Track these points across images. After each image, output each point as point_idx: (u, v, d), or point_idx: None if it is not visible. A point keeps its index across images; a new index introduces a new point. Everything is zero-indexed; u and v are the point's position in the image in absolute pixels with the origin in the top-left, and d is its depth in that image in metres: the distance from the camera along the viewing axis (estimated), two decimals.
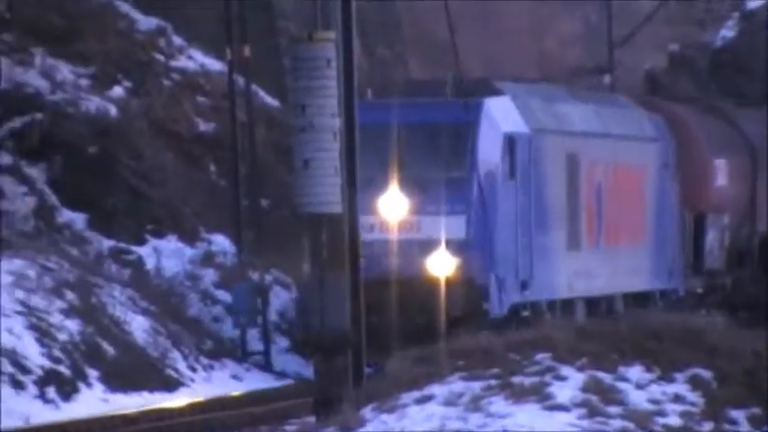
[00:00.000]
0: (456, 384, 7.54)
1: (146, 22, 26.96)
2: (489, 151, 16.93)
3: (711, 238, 22.14)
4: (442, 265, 15.65)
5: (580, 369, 7.48)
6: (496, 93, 17.88)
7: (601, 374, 7.40)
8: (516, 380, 7.40)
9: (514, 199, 17.22)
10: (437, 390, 7.48)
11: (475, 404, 7.11)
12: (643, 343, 7.88)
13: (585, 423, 6.79)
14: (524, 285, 17.20)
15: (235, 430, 14.33)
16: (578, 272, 18.91)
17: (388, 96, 18.06)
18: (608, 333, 8.33)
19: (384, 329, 14.72)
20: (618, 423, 6.83)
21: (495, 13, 31.89)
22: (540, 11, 32.85)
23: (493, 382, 7.44)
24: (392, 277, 15.60)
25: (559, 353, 7.73)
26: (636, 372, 7.49)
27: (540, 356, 7.74)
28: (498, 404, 7.08)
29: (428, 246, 16.01)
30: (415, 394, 7.51)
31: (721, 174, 22.14)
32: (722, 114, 23.91)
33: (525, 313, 17.16)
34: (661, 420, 6.92)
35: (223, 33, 22.82)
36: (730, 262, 22.76)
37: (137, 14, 27.21)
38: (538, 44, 32.28)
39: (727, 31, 32.67)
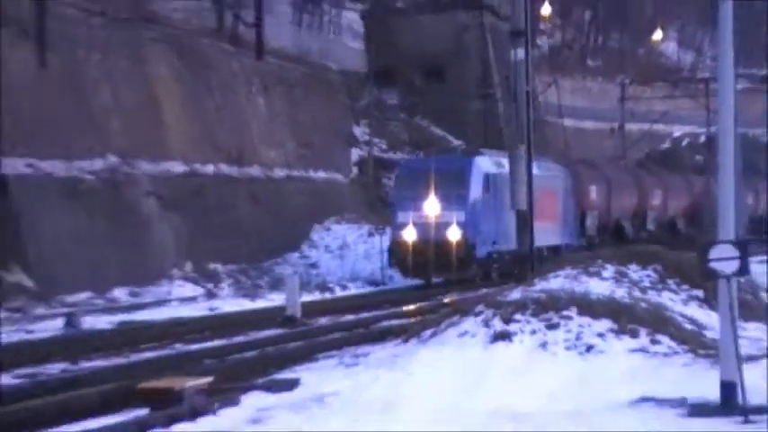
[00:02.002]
0: (568, 271, 16.64)
1: None
2: (476, 181, 31.36)
3: (590, 221, 40.80)
4: (454, 233, 30.00)
5: (612, 265, 16.73)
6: (481, 155, 33.57)
7: (620, 267, 16.59)
8: (590, 269, 16.55)
9: (488, 203, 31.43)
10: (561, 273, 16.65)
11: (575, 278, 15.95)
12: (634, 256, 17.42)
13: (615, 284, 15.61)
14: (494, 243, 31.47)
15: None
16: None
17: (432, 155, 36.92)
18: (618, 254, 18.31)
19: (433, 262, 29.87)
20: (626, 284, 15.76)
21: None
22: None
23: (581, 270, 16.51)
24: (433, 240, 29.88)
25: (605, 259, 17.36)
26: (633, 266, 16.74)
27: (598, 261, 17.26)
28: (583, 278, 15.99)
29: (447, 225, 30.14)
30: (553, 275, 16.70)
31: (593, 194, 41.45)
32: (595, 166, 45.01)
33: (495, 256, 31.48)
34: (643, 283, 16.08)
35: None
36: (598, 231, 41.64)
37: None
38: None
39: None
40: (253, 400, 10.99)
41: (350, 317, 22.14)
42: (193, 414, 10.09)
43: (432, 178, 29.90)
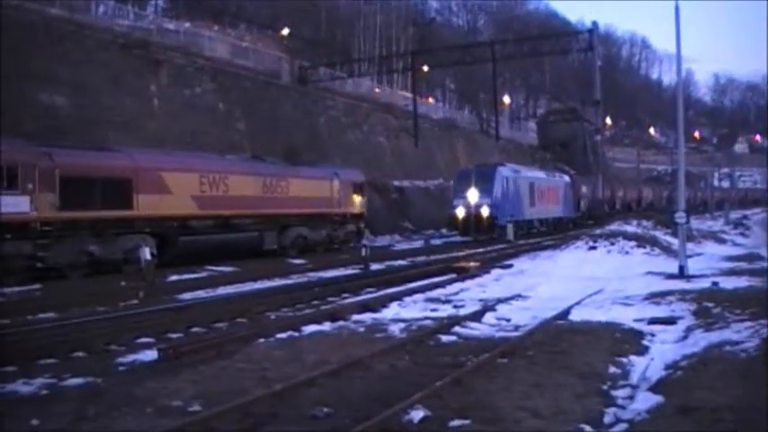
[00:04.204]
0: (618, 221, 40.83)
1: None
2: (499, 181, 47.32)
3: (583, 203, 61.54)
4: (485, 211, 45.79)
5: (636, 219, 40.83)
6: (503, 164, 51.57)
7: (639, 220, 39.94)
8: (627, 220, 40.18)
9: (507, 195, 47.72)
10: (615, 222, 39.46)
11: (621, 224, 37.37)
12: (644, 216, 43.15)
13: (637, 227, 36.41)
14: (511, 216, 47.55)
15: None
16: (533, 211, 52.43)
17: (474, 165, 51.71)
18: (638, 215, 45.55)
19: (472, 227, 45.65)
20: (641, 227, 37.04)
21: None
22: None
23: (622, 221, 39.84)
24: (473, 214, 45.51)
25: (632, 217, 42.98)
26: (643, 220, 39.38)
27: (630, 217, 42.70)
28: (624, 224, 37.78)
29: (481, 205, 45.75)
30: (611, 223, 40.33)
31: (584, 189, 62.09)
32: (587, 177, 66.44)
33: (510, 225, 46.78)
34: (647, 226, 37.40)
35: None
36: (588, 209, 62.39)
37: None
38: None
39: None
40: (495, 271, 27.72)
41: (528, 240, 45.46)
42: (473, 276, 26.98)
43: (472, 179, 46.06)
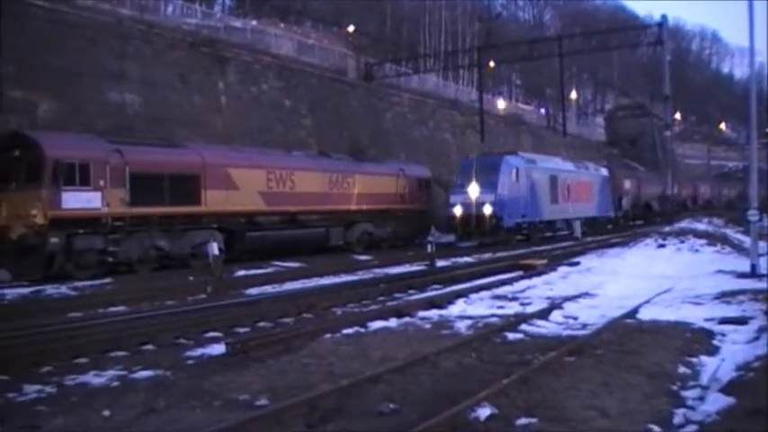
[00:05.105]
0: (688, 218, 42.88)
1: None
2: (506, 173, 40.58)
3: (625, 201, 58.35)
4: (488, 209, 38.75)
5: (706, 217, 43.84)
6: (515, 153, 45.06)
7: (709, 218, 42.96)
8: (697, 218, 40.68)
9: (517, 188, 41.10)
10: (684, 220, 38.60)
11: (691, 222, 39.21)
12: (715, 214, 39.41)
13: (707, 225, 37.73)
14: (523, 216, 41.77)
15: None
16: (555, 210, 45.86)
17: (476, 155, 43.72)
18: (707, 212, 42.61)
19: (473, 229, 38.99)
20: (712, 225, 38.54)
21: None
22: None
23: (692, 219, 41.62)
24: (475, 213, 38.61)
25: (703, 215, 34.82)
26: (714, 218, 40.24)
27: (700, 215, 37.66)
28: (694, 222, 38.10)
29: (484, 203, 38.67)
30: (681, 220, 35.37)
31: (627, 185, 59.85)
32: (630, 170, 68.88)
33: (524, 225, 42.25)
34: (718, 224, 39.09)
35: None
36: (632, 207, 59.61)
37: None
38: None
39: None
40: (562, 269, 27.40)
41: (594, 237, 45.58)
42: (540, 274, 26.67)
43: (474, 171, 38.80)
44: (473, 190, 38.15)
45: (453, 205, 39.73)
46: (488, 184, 38.87)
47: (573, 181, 48.34)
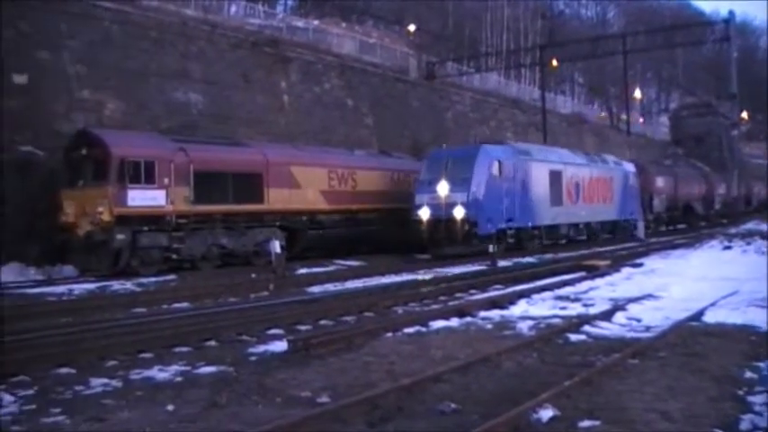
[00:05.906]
0: (755, 220, 35.21)
1: None
2: (483, 166, 32.52)
3: (657, 202, 51.85)
4: (459, 211, 31.63)
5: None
6: (500, 143, 37.07)
7: None
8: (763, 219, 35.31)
9: (499, 185, 33.04)
10: (751, 221, 34.86)
11: (757, 224, 33.48)
12: None
13: None
14: (508, 221, 33.52)
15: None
16: (558, 213, 37.66)
17: (449, 146, 36.55)
18: None
19: (443, 237, 31.91)
20: None
21: None
22: None
23: (758, 220, 34.68)
24: (443, 217, 31.78)
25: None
26: None
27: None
28: (761, 223, 32.36)
29: (454, 204, 31.62)
30: (747, 222, 34.72)
31: (660, 182, 53.10)
32: (664, 165, 59.91)
33: (510, 232, 33.86)
34: None
35: None
36: (667, 210, 53.77)
37: None
38: None
39: None
40: (626, 270, 26.88)
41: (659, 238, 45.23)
42: (603, 275, 26.26)
43: (446, 164, 32.57)
44: (442, 188, 31.87)
45: (419, 207, 32.34)
46: (460, 181, 31.85)
47: (584, 177, 39.87)
